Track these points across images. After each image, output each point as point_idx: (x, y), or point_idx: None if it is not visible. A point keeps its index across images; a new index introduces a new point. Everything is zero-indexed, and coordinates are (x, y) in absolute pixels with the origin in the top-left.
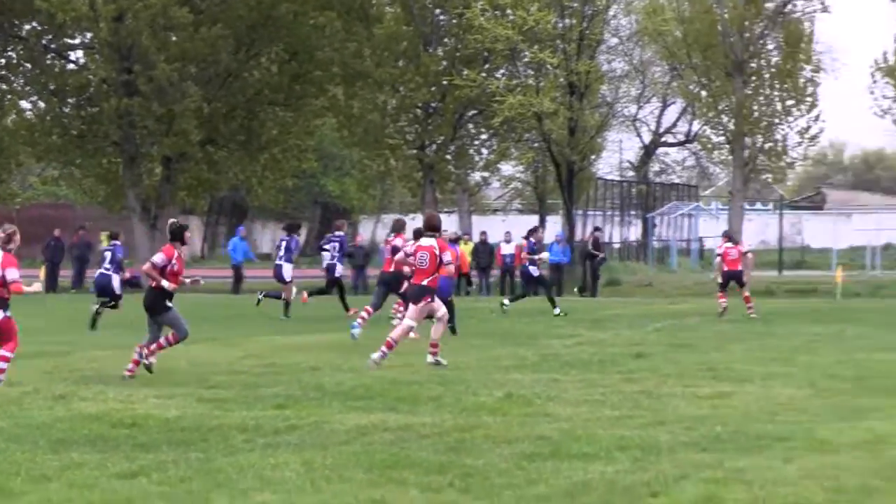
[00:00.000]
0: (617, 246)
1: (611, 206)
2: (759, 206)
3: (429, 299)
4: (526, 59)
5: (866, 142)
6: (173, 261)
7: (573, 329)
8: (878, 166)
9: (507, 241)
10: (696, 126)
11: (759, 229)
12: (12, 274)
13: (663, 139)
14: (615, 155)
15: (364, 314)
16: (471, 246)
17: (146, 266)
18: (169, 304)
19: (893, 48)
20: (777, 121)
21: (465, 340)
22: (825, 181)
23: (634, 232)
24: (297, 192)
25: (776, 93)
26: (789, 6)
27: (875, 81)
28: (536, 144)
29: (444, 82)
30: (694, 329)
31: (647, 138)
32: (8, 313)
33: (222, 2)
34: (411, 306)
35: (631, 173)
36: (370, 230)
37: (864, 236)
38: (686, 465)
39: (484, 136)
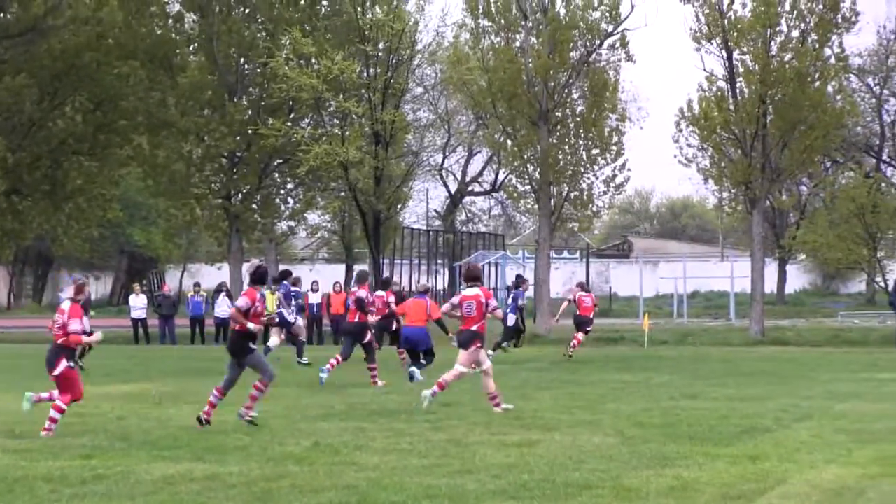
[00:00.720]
0: None
1: (417, 254)
2: (566, 254)
3: (479, 344)
4: (331, 109)
5: (672, 190)
6: (256, 303)
7: (383, 377)
8: (684, 214)
9: (314, 291)
10: (501, 175)
11: (566, 277)
12: (74, 325)
13: (470, 188)
14: (421, 204)
15: (333, 361)
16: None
17: (232, 311)
18: (252, 346)
19: (697, 97)
20: (582, 170)
21: (274, 389)
22: (632, 229)
23: (441, 280)
24: (103, 242)
25: (581, 142)
26: (594, 56)
27: (680, 130)
28: (343, 193)
29: (250, 131)
30: (500, 377)
31: (454, 187)
32: (70, 363)
33: (26, 51)
34: (462, 352)
35: (437, 222)
36: (177, 279)
37: (671, 284)
38: None
39: (290, 186)
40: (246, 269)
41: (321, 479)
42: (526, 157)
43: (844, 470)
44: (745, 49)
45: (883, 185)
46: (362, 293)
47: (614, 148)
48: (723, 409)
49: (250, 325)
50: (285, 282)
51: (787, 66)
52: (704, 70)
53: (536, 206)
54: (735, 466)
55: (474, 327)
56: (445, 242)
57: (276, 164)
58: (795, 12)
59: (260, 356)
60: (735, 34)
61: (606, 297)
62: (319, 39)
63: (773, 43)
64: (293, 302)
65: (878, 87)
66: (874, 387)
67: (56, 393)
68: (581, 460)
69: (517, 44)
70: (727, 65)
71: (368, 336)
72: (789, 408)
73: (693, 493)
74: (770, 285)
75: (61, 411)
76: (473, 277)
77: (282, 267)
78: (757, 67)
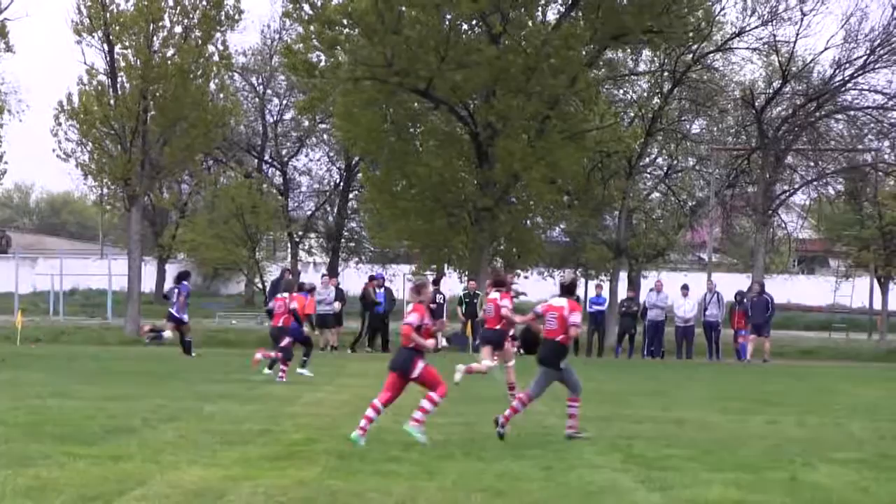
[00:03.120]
0: None
1: None
2: None
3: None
4: None
5: (52, 185)
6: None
7: None
8: (64, 210)
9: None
10: None
11: None
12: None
13: None
14: None
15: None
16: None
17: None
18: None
19: (78, 90)
20: None
21: None
22: (10, 224)
23: None
24: None
25: None
26: None
27: (59, 124)
28: None
29: None
30: None
31: None
32: (424, 362)
33: None
34: (487, 348)
35: None
36: None
37: (48, 281)
38: None
39: None
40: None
41: None
42: None
43: (207, 471)
44: (127, 43)
45: (264, 185)
46: (294, 305)
47: None
48: (90, 408)
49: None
50: (185, 282)
51: (169, 62)
52: (85, 63)
53: None
54: (97, 467)
55: (497, 327)
56: None
57: None
58: (179, 8)
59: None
60: (117, 28)
61: None
62: None
63: (155, 38)
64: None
65: (261, 87)
66: (247, 388)
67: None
68: None
69: None
70: (108, 59)
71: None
72: (158, 408)
73: (51, 493)
74: (149, 284)
75: (435, 403)
76: (500, 283)
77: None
78: (139, 62)
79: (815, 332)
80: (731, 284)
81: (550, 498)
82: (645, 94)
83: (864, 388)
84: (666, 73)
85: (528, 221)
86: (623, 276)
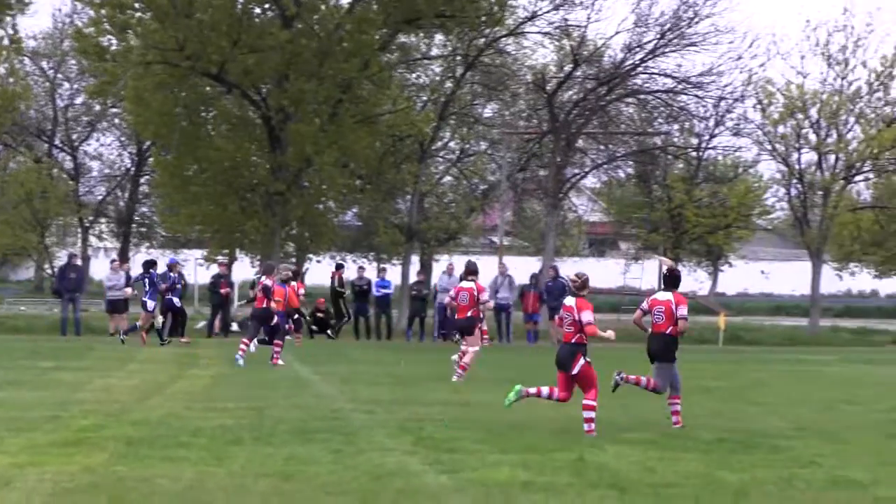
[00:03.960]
0: None
1: None
2: None
3: (480, 325)
4: None
5: None
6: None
7: None
8: None
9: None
10: None
11: None
12: (587, 316)
13: None
14: None
15: (243, 346)
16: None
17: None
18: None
19: None
20: None
21: None
22: None
23: None
24: None
25: None
26: None
27: None
28: None
29: None
30: None
31: None
32: (588, 359)
33: None
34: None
35: None
36: None
37: None
38: None
39: None
40: None
41: None
42: None
43: None
44: None
45: (54, 170)
46: (268, 282)
47: None
48: None
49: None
50: (152, 270)
51: None
52: None
53: None
54: None
55: (469, 313)
56: None
57: None
58: None
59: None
60: None
61: None
62: None
63: None
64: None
65: (52, 71)
66: (36, 375)
67: (546, 391)
68: None
69: None
70: None
71: (276, 320)
72: None
73: None
74: None
75: (594, 409)
76: (472, 272)
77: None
78: None
79: (604, 314)
80: (523, 267)
81: (339, 481)
82: (437, 79)
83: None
84: (458, 58)
85: (321, 205)
86: (415, 260)
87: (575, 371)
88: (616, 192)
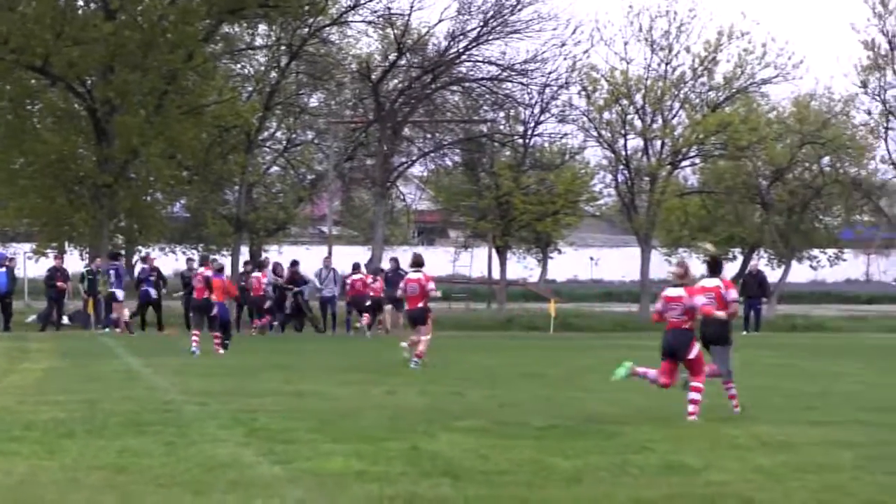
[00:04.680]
0: None
1: None
2: None
3: (430, 315)
4: None
5: None
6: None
7: None
8: None
9: None
10: None
11: None
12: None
13: None
14: None
15: (195, 338)
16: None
17: (705, 309)
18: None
19: None
20: None
21: None
22: None
23: None
24: None
25: None
26: None
27: None
28: None
29: None
30: None
31: None
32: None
33: None
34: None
35: None
36: None
37: None
38: None
39: None
40: None
41: None
42: None
43: None
44: None
45: None
46: (208, 272)
47: None
48: None
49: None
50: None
51: None
52: None
53: None
54: None
55: (421, 304)
56: None
57: None
58: None
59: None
60: None
61: None
62: None
63: None
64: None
65: None
66: None
67: (653, 374)
68: None
69: None
70: None
71: (214, 310)
72: None
73: None
74: None
75: (701, 391)
76: (418, 263)
77: None
78: None
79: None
80: (352, 257)
81: (172, 473)
82: (262, 69)
83: (482, 356)
84: (283, 48)
85: (149, 197)
86: (244, 251)
87: (692, 356)
88: (444, 181)
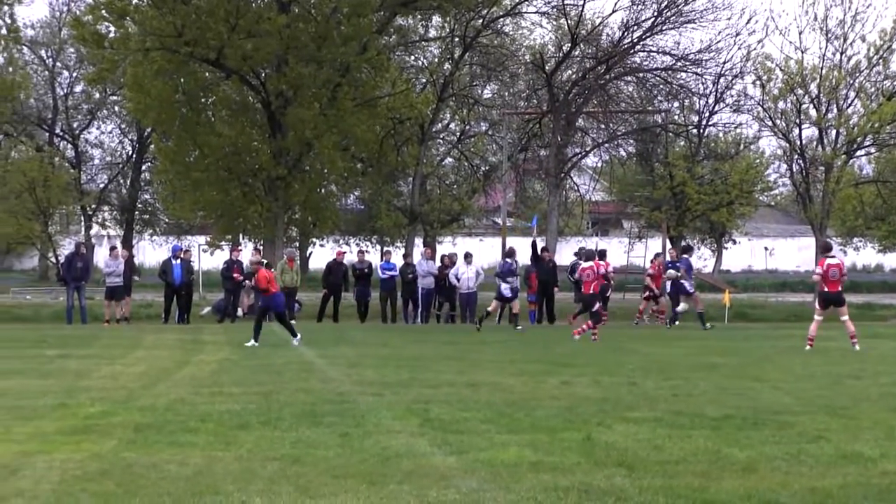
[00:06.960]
0: None
1: None
2: None
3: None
4: None
5: None
6: None
7: None
8: None
9: None
10: None
11: None
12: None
13: None
14: None
15: None
16: None
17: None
18: None
19: None
20: None
21: None
22: None
23: None
24: None
25: None
26: None
27: None
28: None
29: None
30: None
31: None
32: None
33: None
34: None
35: None
36: None
37: None
38: None
39: None
40: None
41: None
42: None
43: (2, 447)
44: None
45: (56, 159)
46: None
47: None
48: None
49: None
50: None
51: None
52: None
53: None
54: None
55: None
56: None
57: None
58: None
59: None
60: None
61: None
62: None
63: None
64: None
65: (51, 60)
66: (42, 363)
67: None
68: None
69: None
70: None
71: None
72: None
73: None
74: None
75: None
76: None
77: None
78: None
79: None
80: (526, 248)
81: (347, 464)
82: (436, 60)
83: (657, 346)
84: (456, 39)
85: (323, 189)
86: (419, 242)
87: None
88: (618, 171)
